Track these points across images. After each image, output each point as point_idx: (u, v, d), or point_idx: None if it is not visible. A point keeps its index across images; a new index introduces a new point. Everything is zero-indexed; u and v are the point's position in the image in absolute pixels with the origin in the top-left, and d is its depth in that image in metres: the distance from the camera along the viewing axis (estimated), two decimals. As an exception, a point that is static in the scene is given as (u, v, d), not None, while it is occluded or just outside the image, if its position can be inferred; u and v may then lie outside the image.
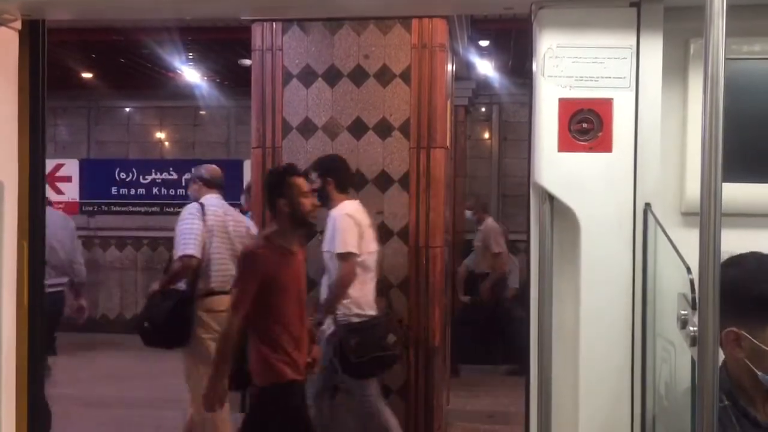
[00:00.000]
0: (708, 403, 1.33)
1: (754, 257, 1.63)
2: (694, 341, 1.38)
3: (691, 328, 1.41)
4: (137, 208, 8.98)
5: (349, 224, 3.85)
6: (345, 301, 3.88)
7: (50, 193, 8.28)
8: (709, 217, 1.33)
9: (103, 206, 9.06)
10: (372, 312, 3.96)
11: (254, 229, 4.64)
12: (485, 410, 5.93)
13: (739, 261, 1.60)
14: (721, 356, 1.49)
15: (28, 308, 2.12)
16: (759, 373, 1.54)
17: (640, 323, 1.78)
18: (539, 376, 1.86)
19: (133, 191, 9.03)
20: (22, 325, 2.10)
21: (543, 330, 1.86)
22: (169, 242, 4.63)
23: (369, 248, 3.95)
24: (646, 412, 1.78)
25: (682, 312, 1.47)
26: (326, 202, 3.94)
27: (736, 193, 1.70)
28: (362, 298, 3.93)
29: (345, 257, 3.80)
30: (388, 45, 4.33)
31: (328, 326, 3.91)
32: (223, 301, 4.00)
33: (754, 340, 1.52)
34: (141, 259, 9.19)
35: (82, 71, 8.33)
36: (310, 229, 3.67)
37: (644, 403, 1.78)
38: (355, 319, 3.90)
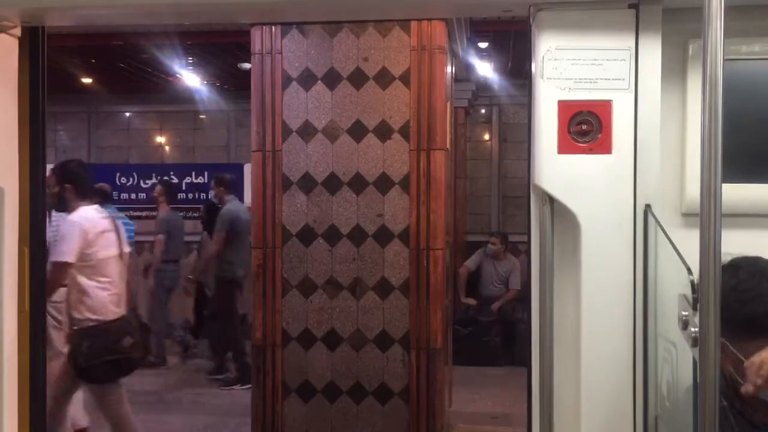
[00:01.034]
0: (710, 403, 1.33)
1: (744, 269, 1.61)
2: (695, 342, 1.38)
3: (693, 329, 1.41)
4: (138, 213, 8.98)
5: (70, 231, 3.97)
6: (81, 308, 3.98)
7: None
8: (709, 218, 1.33)
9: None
10: (112, 317, 4.04)
11: None
12: (488, 412, 5.94)
13: (728, 270, 1.59)
14: None
15: (30, 313, 2.12)
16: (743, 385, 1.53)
17: (641, 324, 1.78)
18: (541, 377, 1.86)
19: (133, 195, 9.04)
20: (24, 330, 2.10)
21: (544, 331, 1.86)
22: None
23: (102, 253, 4.04)
24: (648, 412, 1.78)
25: (683, 313, 1.47)
26: (66, 208, 4.11)
27: (736, 193, 1.70)
28: (98, 303, 4.01)
29: (55, 265, 3.88)
30: (388, 47, 4.33)
31: None
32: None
33: (737, 353, 1.52)
34: (143, 263, 9.18)
35: (82, 76, 8.34)
36: None
37: (646, 403, 1.78)
38: (90, 324, 3.97)
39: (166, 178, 8.65)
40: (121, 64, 7.79)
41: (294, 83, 4.40)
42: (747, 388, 1.43)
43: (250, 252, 6.94)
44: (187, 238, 7.80)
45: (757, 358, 1.43)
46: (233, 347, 6.80)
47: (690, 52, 1.88)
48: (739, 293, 1.57)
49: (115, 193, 9.10)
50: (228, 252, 6.76)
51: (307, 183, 4.40)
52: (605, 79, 1.78)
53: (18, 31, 2.03)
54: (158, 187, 7.55)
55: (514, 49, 6.99)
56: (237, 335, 6.75)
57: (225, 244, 6.71)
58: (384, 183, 4.34)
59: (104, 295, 4.05)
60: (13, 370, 2.05)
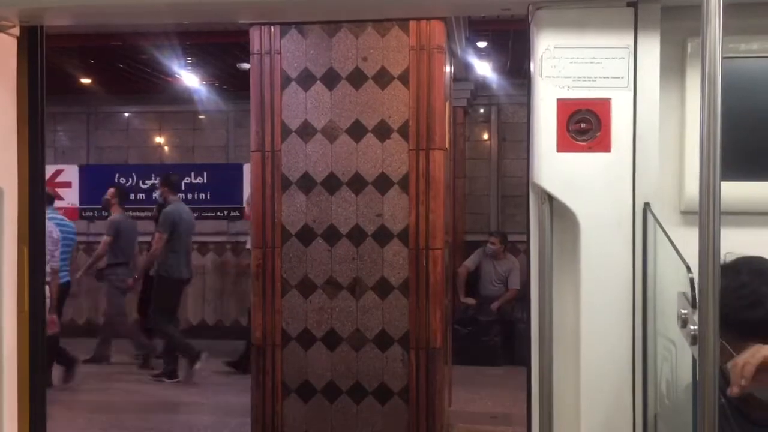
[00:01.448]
0: (709, 400, 1.33)
1: (745, 270, 1.61)
2: (694, 340, 1.38)
3: (692, 327, 1.41)
4: (137, 213, 8.97)
5: None
6: None
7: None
8: (708, 216, 1.33)
9: (103, 211, 9.06)
10: None
11: (57, 233, 4.64)
12: (487, 411, 5.94)
13: (729, 271, 1.59)
14: None
15: (29, 313, 2.12)
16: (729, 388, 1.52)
17: (641, 322, 1.78)
18: (540, 376, 1.86)
19: (132, 196, 9.03)
20: (24, 330, 2.10)
21: (544, 330, 1.86)
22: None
23: None
24: (648, 410, 1.79)
25: (683, 311, 1.47)
26: None
27: (735, 191, 1.70)
28: None
29: None
30: (387, 47, 4.33)
31: None
32: None
33: (733, 353, 1.52)
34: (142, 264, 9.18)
35: (81, 76, 8.34)
36: None
37: (645, 401, 1.78)
38: None
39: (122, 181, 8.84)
40: (120, 65, 7.78)
41: (293, 83, 4.40)
42: (732, 390, 1.44)
43: (189, 256, 7.12)
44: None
45: (739, 360, 1.44)
46: (165, 343, 6.89)
47: (689, 50, 1.88)
48: (741, 295, 1.57)
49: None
50: (169, 254, 6.83)
51: (306, 183, 4.40)
52: (604, 78, 1.78)
53: (17, 31, 2.03)
54: (110, 190, 7.59)
55: (513, 49, 6.99)
56: (169, 332, 6.81)
57: (167, 245, 6.81)
58: (383, 183, 4.34)
59: None
60: (13, 370, 2.05)
